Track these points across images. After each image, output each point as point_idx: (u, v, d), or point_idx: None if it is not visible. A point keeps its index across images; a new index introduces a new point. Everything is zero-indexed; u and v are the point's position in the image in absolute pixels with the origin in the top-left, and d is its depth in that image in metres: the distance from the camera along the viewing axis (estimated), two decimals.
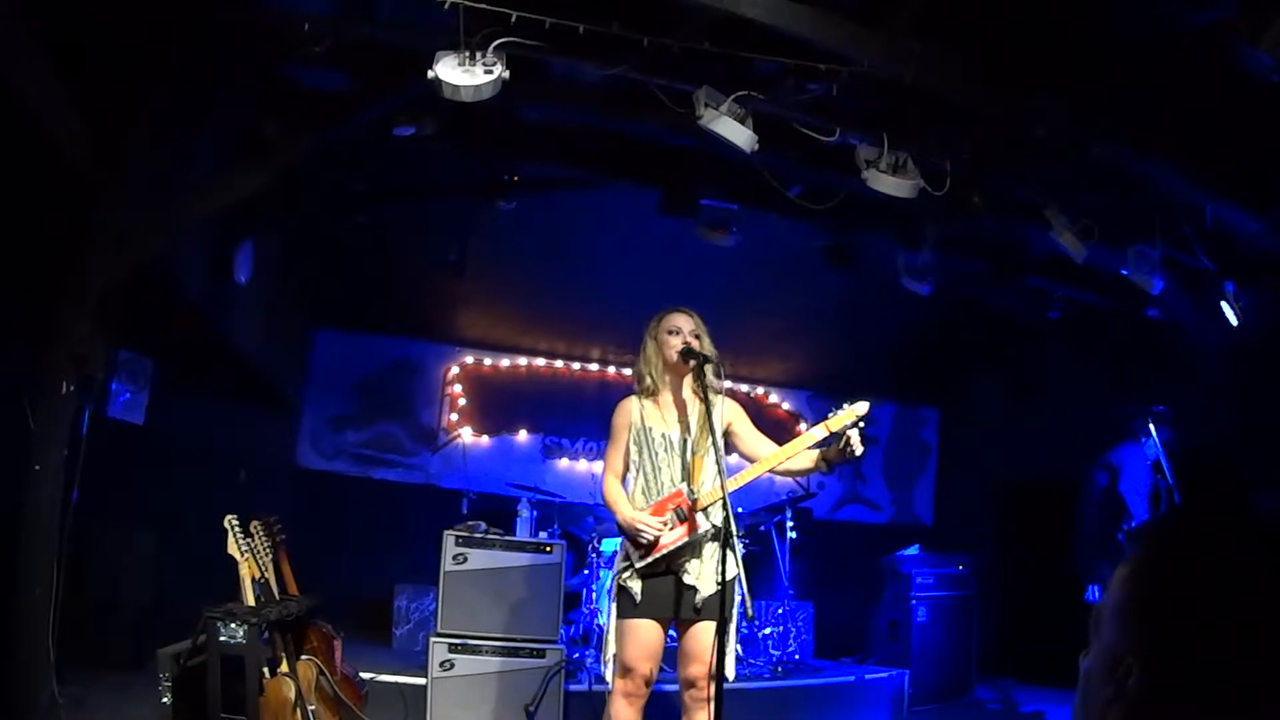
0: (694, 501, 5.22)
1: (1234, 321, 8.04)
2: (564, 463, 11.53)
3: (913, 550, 10.30)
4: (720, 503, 4.96)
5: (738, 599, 5.15)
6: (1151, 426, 8.34)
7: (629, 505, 5.38)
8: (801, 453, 5.31)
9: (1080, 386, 10.87)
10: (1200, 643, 1.33)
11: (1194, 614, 1.35)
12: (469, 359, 11.53)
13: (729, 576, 4.86)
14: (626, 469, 5.55)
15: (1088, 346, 10.66)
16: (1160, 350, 9.43)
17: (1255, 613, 1.31)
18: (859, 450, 5.17)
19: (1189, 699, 1.33)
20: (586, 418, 10.98)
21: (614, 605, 5.41)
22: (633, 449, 5.48)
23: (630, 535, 5.29)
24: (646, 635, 5.27)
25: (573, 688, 7.64)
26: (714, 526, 5.22)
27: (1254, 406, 8.55)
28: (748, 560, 9.52)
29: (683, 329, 5.45)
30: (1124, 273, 7.85)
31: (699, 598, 5.21)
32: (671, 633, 5.50)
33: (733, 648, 5.35)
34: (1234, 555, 1.37)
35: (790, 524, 9.89)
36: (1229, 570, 1.36)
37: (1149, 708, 1.36)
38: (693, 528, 5.20)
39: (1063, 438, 10.42)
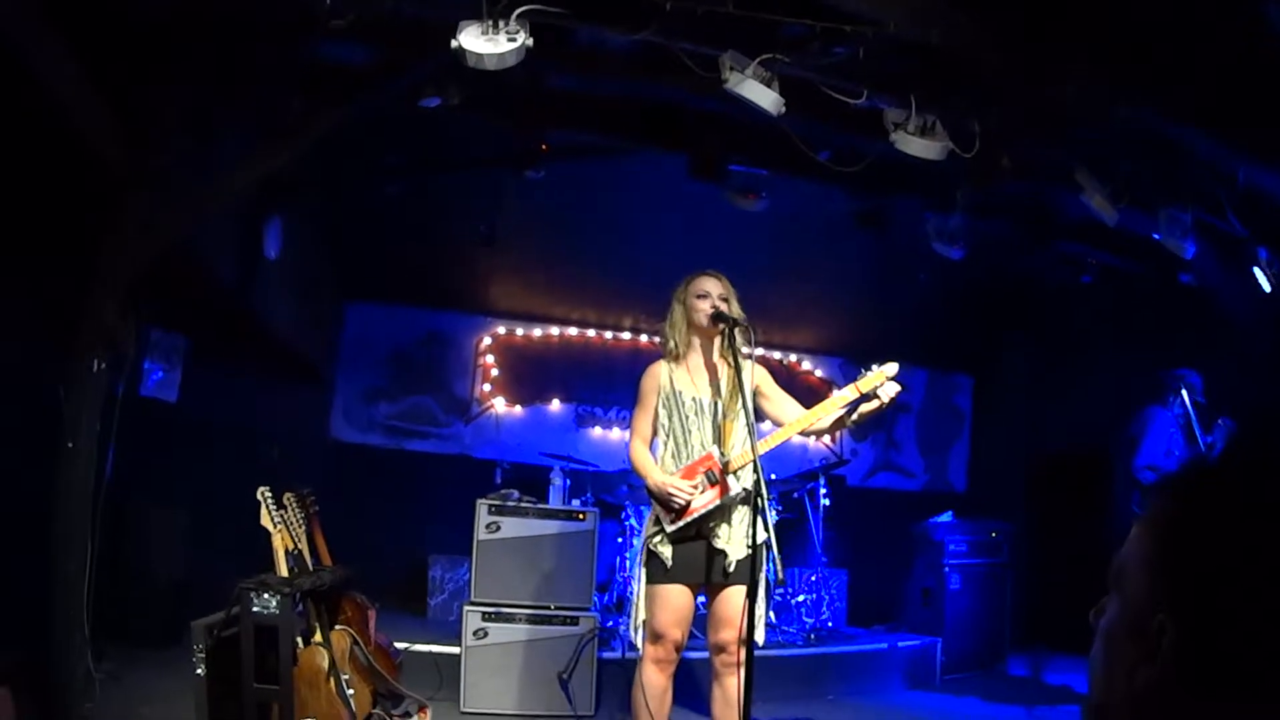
0: (725, 464, 5.21)
1: (1267, 288, 7.93)
2: (597, 431, 11.54)
3: (945, 517, 10.27)
4: (750, 466, 4.93)
5: (767, 563, 5.16)
6: (1183, 391, 8.30)
7: (658, 470, 5.37)
8: (832, 414, 5.29)
9: (1114, 353, 10.78)
10: (1244, 593, 1.24)
11: (1234, 563, 1.26)
12: (501, 330, 11.54)
13: (759, 540, 4.83)
14: (654, 434, 5.52)
15: (1121, 313, 10.58)
16: (1193, 317, 9.33)
17: None
18: (888, 399, 5.14)
19: (1233, 654, 1.25)
20: (619, 386, 10.94)
21: (643, 571, 5.40)
22: (662, 413, 5.46)
23: (661, 499, 5.26)
24: (677, 600, 5.27)
25: (606, 655, 7.68)
26: (745, 490, 5.19)
27: None
28: (781, 527, 9.60)
29: (711, 293, 5.41)
30: (1156, 237, 7.76)
31: (729, 562, 5.20)
32: (700, 599, 5.51)
33: (762, 612, 5.32)
34: (1272, 499, 1.29)
35: (824, 491, 9.88)
36: (1269, 516, 1.27)
37: (1188, 666, 1.28)
38: (724, 491, 5.18)
39: (1097, 404, 10.37)
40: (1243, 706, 1.26)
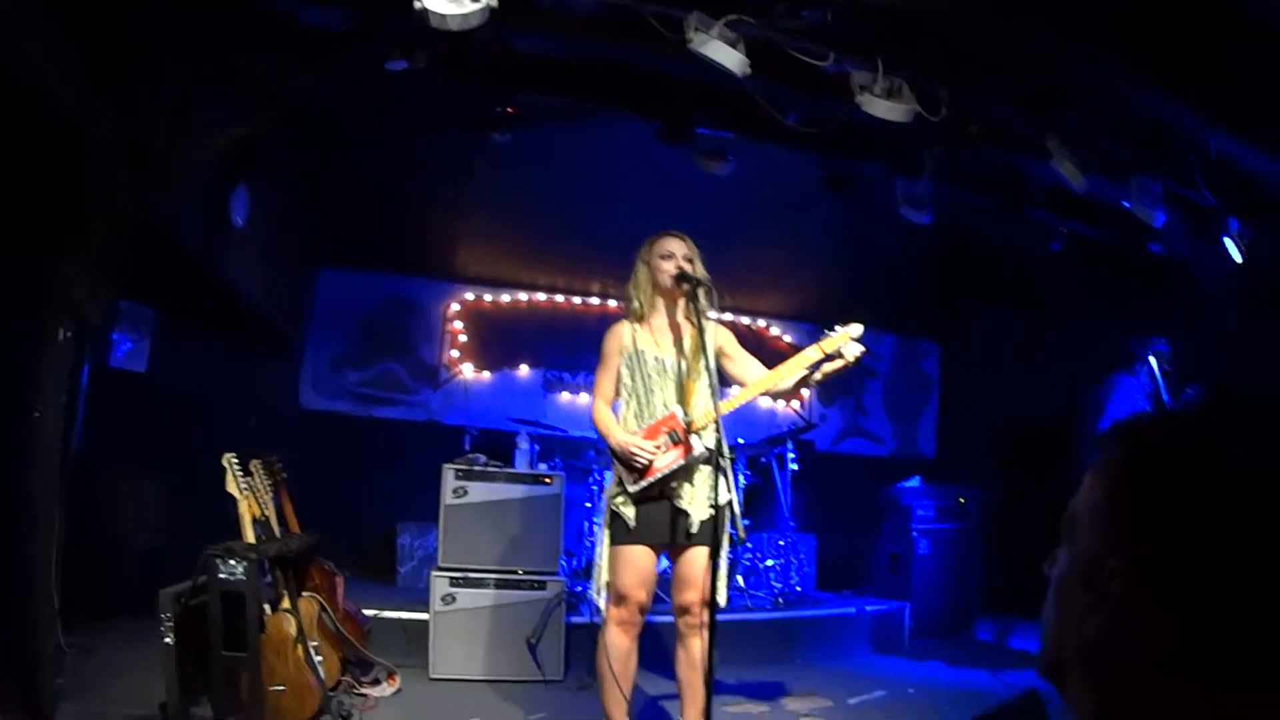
0: (688, 424, 5.21)
1: (1237, 258, 7.95)
2: (565, 396, 11.53)
3: (913, 482, 10.33)
4: (713, 426, 4.91)
5: (730, 524, 5.17)
6: (1152, 359, 8.33)
7: (620, 429, 5.37)
8: (796, 374, 5.28)
9: (1083, 321, 10.81)
10: (1195, 539, 1.23)
11: (1187, 509, 1.25)
12: (469, 295, 11.48)
13: (722, 501, 4.82)
14: (617, 395, 5.53)
15: (1091, 281, 10.59)
16: (1163, 286, 9.36)
17: (1253, 505, 1.22)
18: (852, 358, 5.14)
19: (1182, 601, 1.24)
20: (587, 351, 10.66)
21: (606, 532, 5.40)
22: (625, 373, 5.46)
23: (623, 459, 5.27)
24: (640, 561, 5.28)
25: (574, 620, 7.70)
26: (708, 450, 5.15)
27: (1256, 345, 8.49)
28: (749, 492, 9.65)
29: (676, 253, 5.40)
30: (1126, 205, 7.77)
31: (692, 523, 5.22)
32: (664, 569, 5.52)
33: (726, 573, 5.32)
34: (1227, 445, 1.28)
35: (792, 456, 9.90)
36: (1223, 461, 1.26)
37: (1137, 613, 1.27)
38: (687, 451, 5.19)
39: (1065, 372, 10.41)
40: (1189, 658, 1.26)
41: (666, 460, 5.21)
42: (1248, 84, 6.42)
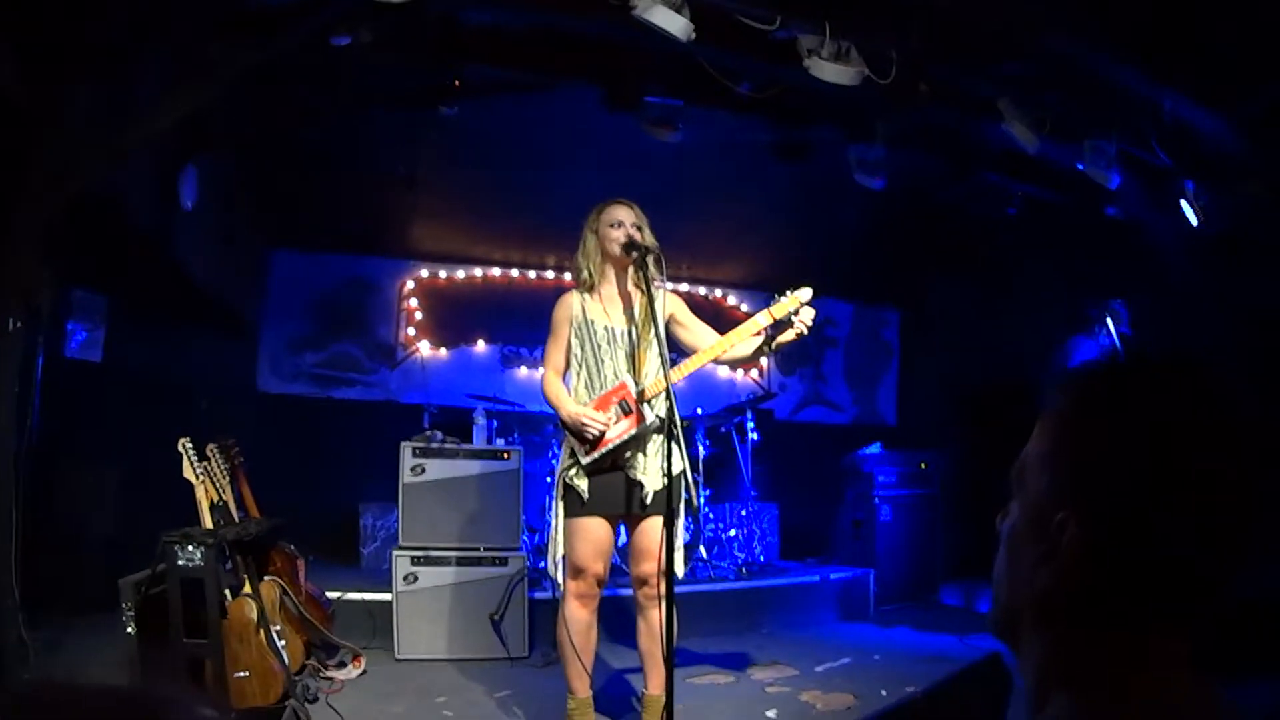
0: (640, 394, 5.20)
1: (1194, 221, 7.97)
2: (523, 371, 11.51)
3: (874, 449, 10.35)
4: (665, 395, 4.88)
5: (684, 492, 5.18)
6: (1109, 320, 8.37)
7: (571, 400, 5.35)
8: (746, 340, 5.26)
9: (1041, 285, 10.86)
10: (1141, 486, 1.24)
11: (1133, 456, 1.26)
12: (424, 273, 11.43)
13: (675, 470, 4.81)
14: (567, 365, 5.51)
15: (1048, 245, 10.62)
16: (1121, 249, 9.39)
17: (1197, 450, 1.24)
18: (804, 328, 5.11)
19: (1131, 547, 1.25)
20: (544, 325, 10.72)
21: (561, 504, 5.38)
22: (574, 343, 5.44)
23: (575, 431, 5.25)
24: (595, 533, 5.28)
25: (537, 595, 7.70)
26: (660, 419, 5.16)
27: (1213, 306, 8.53)
28: (710, 462, 9.65)
29: (624, 221, 5.36)
30: (1080, 167, 7.78)
31: (646, 493, 5.21)
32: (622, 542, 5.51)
33: (681, 542, 5.31)
34: (1170, 392, 1.29)
35: (751, 425, 9.90)
36: (1167, 408, 1.28)
37: (1087, 561, 1.28)
38: (639, 420, 5.17)
39: (1024, 336, 10.47)
40: (1132, 604, 1.27)
41: (618, 431, 5.19)
42: (1200, 44, 6.44)
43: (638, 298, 5.39)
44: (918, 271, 12.58)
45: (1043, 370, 8.94)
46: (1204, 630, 1.26)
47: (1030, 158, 7.68)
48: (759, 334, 5.21)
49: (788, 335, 5.16)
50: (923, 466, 10.42)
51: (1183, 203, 7.97)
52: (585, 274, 5.49)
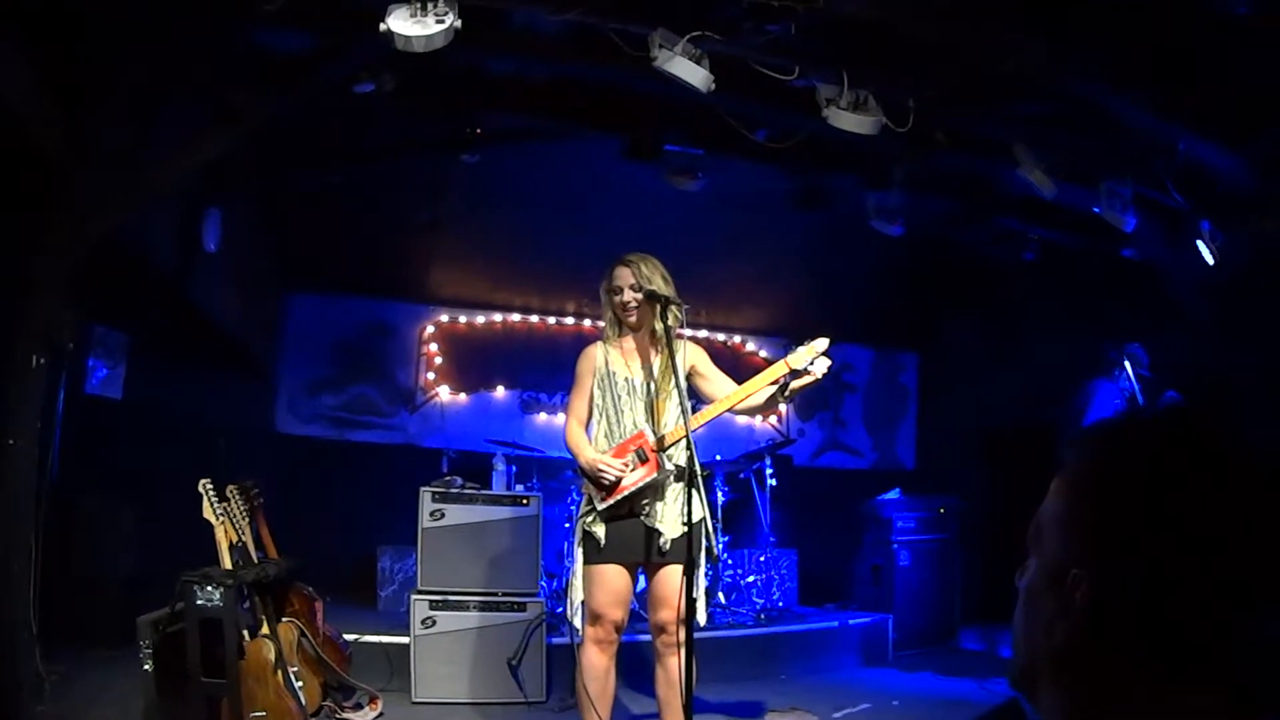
0: (658, 442, 5.22)
1: (1210, 260, 7.97)
2: (542, 417, 11.54)
3: (893, 494, 10.33)
4: (684, 443, 4.91)
5: (704, 540, 5.17)
6: (1126, 363, 8.35)
7: (590, 448, 5.38)
8: (763, 389, 5.27)
9: (1059, 329, 10.82)
10: (1156, 546, 1.24)
11: (1147, 516, 1.26)
12: (444, 318, 11.48)
13: (695, 518, 4.84)
14: (591, 415, 5.54)
15: (1065, 288, 10.62)
16: (1138, 291, 9.39)
17: (1209, 511, 1.23)
18: (820, 374, 5.13)
19: (1144, 606, 1.25)
20: (563, 371, 10.61)
21: (579, 551, 5.40)
22: (597, 393, 5.49)
23: (592, 477, 5.28)
24: (613, 581, 5.28)
25: (555, 641, 7.65)
26: (678, 467, 5.20)
27: (1232, 345, 8.51)
28: (729, 508, 9.63)
29: (624, 286, 5.40)
30: (1096, 210, 7.79)
31: (664, 540, 5.21)
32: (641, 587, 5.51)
33: (702, 591, 5.32)
34: (1180, 451, 1.29)
35: (770, 471, 9.89)
36: (1179, 468, 1.27)
37: (1101, 619, 1.29)
38: (655, 468, 5.18)
39: (1043, 380, 10.42)
40: (1153, 659, 1.27)
41: (634, 478, 5.21)
42: (1212, 83, 6.46)
43: (659, 349, 5.44)
44: (935, 316, 12.59)
45: (1062, 414, 8.90)
46: (1245, 674, 1.26)
47: (1046, 202, 7.70)
48: (775, 382, 5.23)
49: (803, 381, 5.18)
50: (941, 511, 10.39)
51: (1199, 243, 7.97)
52: (608, 329, 5.57)
